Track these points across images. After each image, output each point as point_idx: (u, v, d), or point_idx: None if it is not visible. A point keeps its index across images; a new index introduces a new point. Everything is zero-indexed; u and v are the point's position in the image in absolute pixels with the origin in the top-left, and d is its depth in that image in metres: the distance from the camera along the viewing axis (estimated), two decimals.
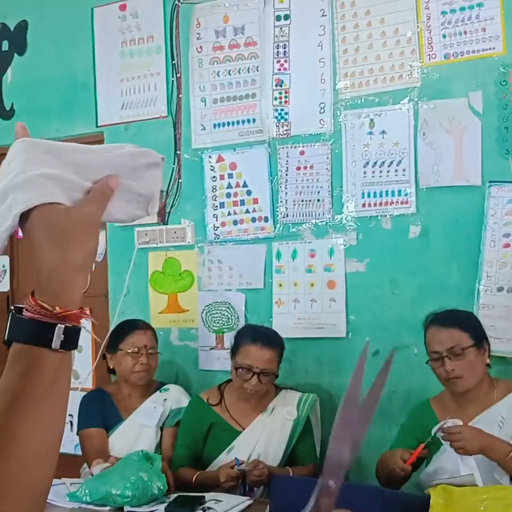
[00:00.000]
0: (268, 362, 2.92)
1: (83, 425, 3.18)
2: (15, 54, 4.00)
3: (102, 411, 3.18)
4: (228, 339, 3.40)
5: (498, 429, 2.53)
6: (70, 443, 3.73)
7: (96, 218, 0.82)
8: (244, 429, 2.99)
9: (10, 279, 4.10)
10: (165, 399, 3.22)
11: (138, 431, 3.14)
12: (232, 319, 3.47)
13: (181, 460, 3.01)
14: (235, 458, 2.79)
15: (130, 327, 3.24)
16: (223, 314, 3.48)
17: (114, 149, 0.87)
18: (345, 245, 3.27)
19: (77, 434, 3.22)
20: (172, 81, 3.60)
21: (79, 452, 3.31)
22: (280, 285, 3.39)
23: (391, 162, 3.20)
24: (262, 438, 2.96)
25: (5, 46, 4.04)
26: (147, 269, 3.64)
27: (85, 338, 3.81)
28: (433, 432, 2.50)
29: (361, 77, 3.25)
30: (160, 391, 3.24)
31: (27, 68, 3.98)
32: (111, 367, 3.25)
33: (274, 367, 2.95)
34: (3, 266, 4.08)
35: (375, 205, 3.22)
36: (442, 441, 2.49)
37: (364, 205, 3.24)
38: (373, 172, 3.22)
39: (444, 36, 3.13)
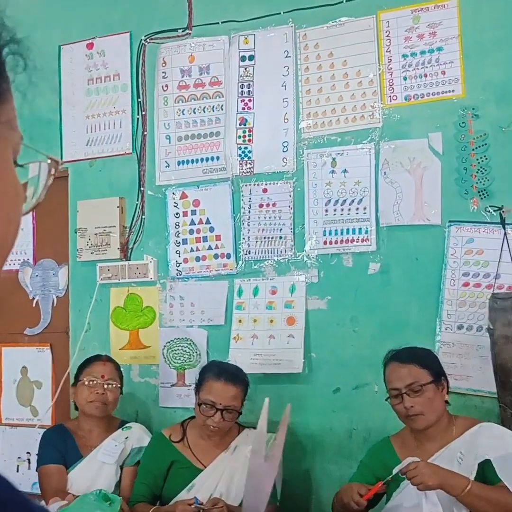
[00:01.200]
0: (232, 399, 2.90)
1: (42, 462, 3.15)
2: None
3: (62, 448, 3.14)
4: (189, 376, 3.38)
5: (457, 465, 2.53)
6: (27, 482, 3.66)
7: None
8: (205, 467, 2.95)
9: None
10: (126, 437, 3.17)
11: (97, 469, 3.10)
12: (193, 356, 3.45)
13: (139, 496, 2.96)
14: (195, 497, 2.74)
15: (91, 359, 3.26)
16: (185, 351, 3.46)
17: None
18: (306, 282, 3.29)
19: (36, 470, 3.17)
20: (138, 118, 3.63)
21: (36, 490, 3.25)
22: (240, 321, 3.39)
23: (353, 201, 3.24)
24: (224, 477, 2.92)
25: None
26: (109, 305, 3.61)
27: (45, 374, 3.77)
28: (394, 472, 2.50)
29: (323, 117, 3.31)
30: (122, 429, 3.20)
31: None
32: (72, 401, 3.24)
33: (238, 404, 2.93)
34: None
35: (336, 242, 3.24)
36: (404, 478, 2.49)
37: (325, 242, 3.26)
38: (335, 210, 3.26)
39: (405, 79, 3.20)
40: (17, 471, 3.78)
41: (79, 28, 3.76)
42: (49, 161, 0.70)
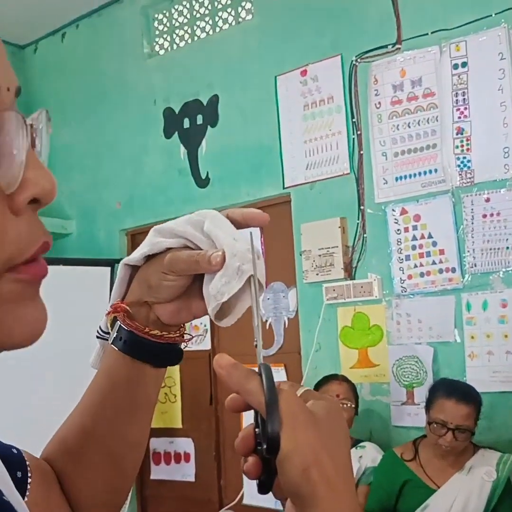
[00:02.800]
0: (464, 418, 2.81)
1: None
2: (208, 126, 4.27)
3: None
4: (418, 394, 3.33)
5: None
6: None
7: (172, 268, 0.81)
8: (439, 487, 2.88)
9: (211, 338, 4.29)
10: (360, 456, 3.19)
11: None
12: (420, 374, 3.39)
13: None
14: None
15: (328, 378, 3.36)
16: (413, 369, 3.42)
17: (240, 238, 0.81)
18: None
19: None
20: (353, 138, 3.66)
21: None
22: (472, 337, 3.27)
23: None
24: (459, 499, 2.83)
25: (200, 120, 4.32)
26: (337, 324, 3.66)
27: None
28: None
29: None
30: (356, 448, 3.22)
31: (219, 138, 4.22)
32: None
33: (470, 424, 2.83)
34: (205, 325, 4.28)
35: None
36: None
37: None
38: None
39: None
40: None
41: (292, 57, 3.88)
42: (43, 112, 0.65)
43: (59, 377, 3.85)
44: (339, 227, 3.64)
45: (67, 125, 4.89)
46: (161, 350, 0.86)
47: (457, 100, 3.34)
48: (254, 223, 0.82)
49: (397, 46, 3.51)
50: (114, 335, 0.85)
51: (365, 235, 3.60)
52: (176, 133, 4.42)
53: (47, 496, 0.85)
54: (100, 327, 0.89)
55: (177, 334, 0.87)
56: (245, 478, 4.00)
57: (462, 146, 3.32)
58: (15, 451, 0.85)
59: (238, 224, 0.81)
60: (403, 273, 3.47)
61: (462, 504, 2.81)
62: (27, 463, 0.84)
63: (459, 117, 3.34)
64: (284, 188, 3.89)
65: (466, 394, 2.88)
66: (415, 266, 3.44)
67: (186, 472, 4.33)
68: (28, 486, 0.82)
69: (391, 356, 3.50)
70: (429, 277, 3.40)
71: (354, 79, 3.65)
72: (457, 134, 3.34)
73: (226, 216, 0.81)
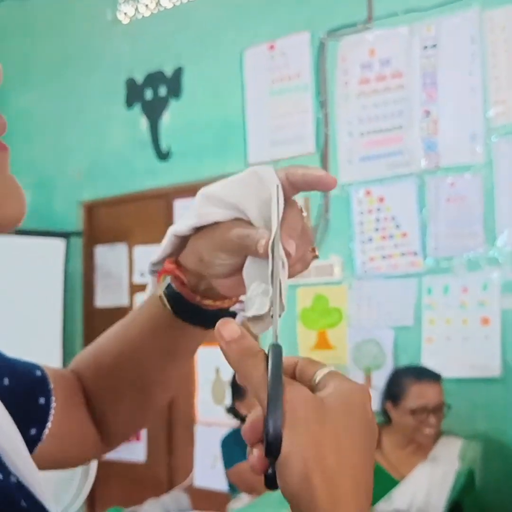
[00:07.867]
0: (440, 395, 2.81)
1: (234, 461, 3.19)
2: (172, 99, 4.17)
3: (245, 447, 3.17)
4: (376, 377, 3.31)
5: None
6: (223, 479, 3.74)
7: (224, 248, 0.72)
8: (403, 477, 2.80)
9: None
10: None
11: None
12: (379, 357, 3.37)
13: None
14: None
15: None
16: (371, 352, 3.39)
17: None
18: (500, 280, 3.10)
19: (226, 472, 3.24)
20: (319, 117, 3.59)
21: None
22: (431, 322, 3.26)
23: None
24: (422, 489, 2.77)
25: (163, 92, 4.21)
26: (296, 305, 3.61)
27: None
28: None
29: None
30: None
31: (183, 112, 4.12)
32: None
33: (444, 400, 2.82)
34: None
35: None
36: None
37: None
38: None
39: None
40: (213, 468, 3.88)
41: (261, 31, 3.79)
42: None
43: (10, 348, 3.73)
44: (302, 206, 3.57)
45: (29, 89, 4.73)
46: (212, 314, 0.78)
47: (425, 82, 3.30)
48: (319, 187, 0.67)
49: (367, 25, 3.44)
50: (164, 290, 0.78)
51: (327, 216, 3.55)
52: (139, 104, 4.31)
53: (68, 414, 0.85)
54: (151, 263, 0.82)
55: (232, 302, 0.78)
56: (197, 459, 3.97)
57: (429, 129, 3.29)
58: (39, 373, 0.84)
59: (296, 188, 0.67)
60: (365, 255, 3.44)
61: (425, 494, 2.74)
62: (51, 386, 0.83)
63: (427, 100, 3.30)
64: (247, 165, 3.81)
65: (431, 373, 2.87)
66: (377, 248, 3.41)
67: (136, 452, 4.25)
68: (52, 412, 0.82)
69: (350, 339, 3.47)
70: (391, 260, 3.37)
71: (322, 57, 3.58)
72: (424, 116, 3.30)
73: (283, 177, 0.67)
